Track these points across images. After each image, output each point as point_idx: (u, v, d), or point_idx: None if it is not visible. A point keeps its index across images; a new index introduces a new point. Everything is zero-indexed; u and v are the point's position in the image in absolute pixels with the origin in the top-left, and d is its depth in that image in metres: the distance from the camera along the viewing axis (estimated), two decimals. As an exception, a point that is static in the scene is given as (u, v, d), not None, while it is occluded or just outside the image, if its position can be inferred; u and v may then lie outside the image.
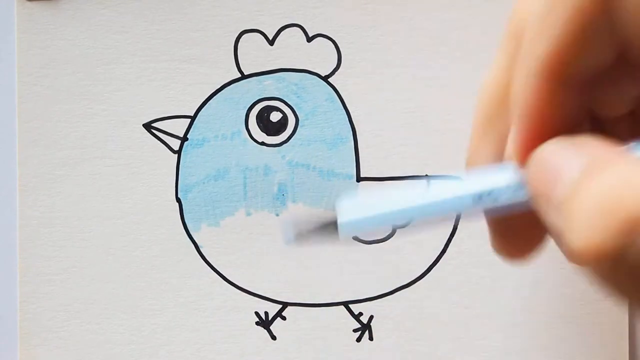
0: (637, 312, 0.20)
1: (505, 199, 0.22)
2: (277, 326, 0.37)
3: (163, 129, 0.37)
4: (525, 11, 0.23)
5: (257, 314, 0.37)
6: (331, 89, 0.37)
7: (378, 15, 0.37)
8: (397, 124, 0.37)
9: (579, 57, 0.20)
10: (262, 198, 0.37)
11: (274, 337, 0.37)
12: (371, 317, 0.37)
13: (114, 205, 0.37)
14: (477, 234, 0.36)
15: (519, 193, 0.22)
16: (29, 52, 0.37)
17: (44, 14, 0.37)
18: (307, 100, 0.37)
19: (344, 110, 0.37)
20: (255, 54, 0.37)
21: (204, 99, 0.37)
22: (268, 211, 0.37)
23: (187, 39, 0.37)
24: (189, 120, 0.37)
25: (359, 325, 0.37)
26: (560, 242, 0.20)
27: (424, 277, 0.37)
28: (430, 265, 0.37)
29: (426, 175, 0.37)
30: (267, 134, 0.37)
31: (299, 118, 0.37)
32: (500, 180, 0.22)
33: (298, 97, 0.37)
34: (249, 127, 0.37)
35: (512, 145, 0.22)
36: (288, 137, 0.37)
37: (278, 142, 0.37)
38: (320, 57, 0.37)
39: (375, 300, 0.37)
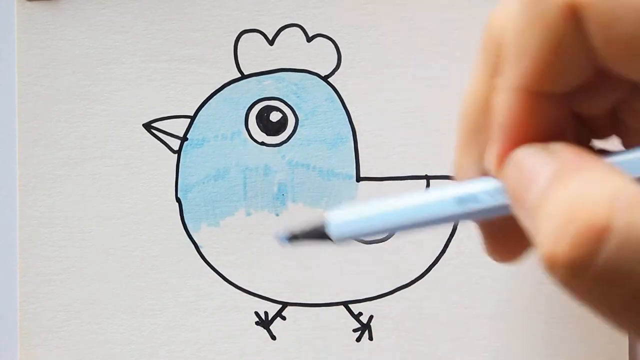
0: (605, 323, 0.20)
1: (487, 203, 0.22)
2: (277, 326, 0.37)
3: (163, 129, 0.37)
4: (500, 24, 0.23)
5: (257, 314, 0.37)
6: (331, 89, 0.37)
7: (378, 15, 0.37)
8: (397, 124, 0.37)
9: (556, 74, 0.21)
10: (262, 198, 0.37)
11: (273, 337, 0.37)
12: (371, 317, 0.37)
13: (114, 205, 0.37)
14: (477, 234, 0.36)
15: (500, 197, 0.22)
16: (29, 52, 0.37)
17: (44, 14, 0.37)
18: (307, 100, 0.37)
19: (343, 110, 0.37)
20: (255, 54, 0.37)
21: (204, 99, 0.37)
22: (268, 211, 0.37)
23: (187, 39, 0.37)
24: (188, 120, 0.37)
25: (359, 325, 0.37)
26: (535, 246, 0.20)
27: (423, 277, 0.37)
28: (430, 265, 0.37)
29: (426, 175, 0.37)
30: (267, 134, 0.37)
31: (299, 118, 0.37)
32: (483, 185, 0.23)
33: (298, 97, 0.37)
34: (249, 127, 0.37)
35: (490, 157, 0.22)
36: (288, 137, 0.37)
37: (278, 142, 0.37)
38: (320, 57, 0.37)
39: (375, 300, 0.37)
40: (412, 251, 0.37)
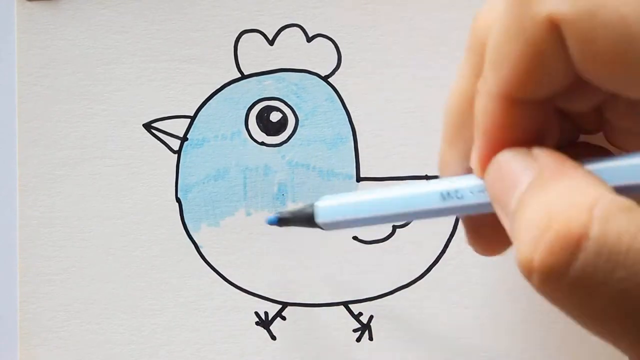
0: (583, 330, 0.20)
1: (470, 199, 0.23)
2: (277, 326, 0.37)
3: (163, 129, 0.37)
4: (486, 24, 0.23)
5: (257, 314, 0.37)
6: (331, 89, 0.37)
7: (378, 15, 0.37)
8: (397, 124, 0.37)
9: (535, 82, 0.21)
10: (262, 198, 0.37)
11: (273, 337, 0.37)
12: (371, 317, 0.37)
13: (114, 205, 0.37)
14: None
15: (484, 196, 0.23)
16: (29, 52, 0.37)
17: (44, 14, 0.37)
18: (307, 100, 0.37)
19: (343, 110, 0.37)
20: (255, 54, 0.37)
21: (204, 99, 0.37)
22: (268, 211, 0.37)
23: (187, 39, 0.37)
24: (189, 120, 0.37)
25: (359, 325, 0.37)
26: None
27: (424, 277, 0.37)
28: (430, 265, 0.37)
29: (426, 175, 0.37)
30: (267, 134, 0.37)
31: (299, 118, 0.37)
32: (468, 182, 0.23)
33: (298, 97, 0.37)
34: (249, 127, 0.37)
35: (473, 158, 0.23)
36: (288, 137, 0.37)
37: (278, 142, 0.37)
38: (320, 57, 0.37)
39: (375, 300, 0.37)
40: (412, 251, 0.37)
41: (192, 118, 0.37)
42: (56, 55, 0.37)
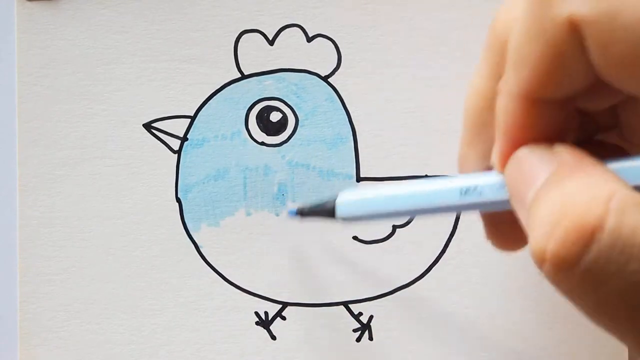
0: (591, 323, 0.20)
1: (489, 195, 0.23)
2: (277, 326, 0.37)
3: (163, 129, 0.37)
4: (505, 24, 0.23)
5: (257, 314, 0.37)
6: (331, 89, 0.37)
7: (378, 15, 0.37)
8: (397, 124, 0.37)
9: (555, 83, 0.21)
10: (262, 198, 0.37)
11: (274, 337, 0.37)
12: (371, 317, 0.37)
13: (114, 205, 0.37)
14: (477, 234, 0.36)
15: (502, 192, 0.23)
16: (29, 52, 0.37)
17: (44, 14, 0.37)
18: (307, 100, 0.37)
19: (343, 110, 0.37)
20: (255, 54, 0.37)
21: (204, 99, 0.37)
22: (268, 211, 0.37)
23: (187, 39, 0.37)
24: (189, 120, 0.37)
25: (359, 325, 0.37)
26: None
27: (424, 277, 0.37)
28: (430, 265, 0.37)
29: (426, 175, 0.37)
30: (267, 134, 0.37)
31: (299, 118, 0.37)
32: (487, 179, 0.23)
33: (298, 97, 0.37)
34: (249, 127, 0.37)
35: (495, 155, 0.23)
36: (288, 137, 0.37)
37: (278, 142, 0.37)
38: (320, 57, 0.37)
39: (375, 300, 0.37)
40: (412, 251, 0.37)
41: (192, 118, 0.37)
42: (56, 55, 0.37)
